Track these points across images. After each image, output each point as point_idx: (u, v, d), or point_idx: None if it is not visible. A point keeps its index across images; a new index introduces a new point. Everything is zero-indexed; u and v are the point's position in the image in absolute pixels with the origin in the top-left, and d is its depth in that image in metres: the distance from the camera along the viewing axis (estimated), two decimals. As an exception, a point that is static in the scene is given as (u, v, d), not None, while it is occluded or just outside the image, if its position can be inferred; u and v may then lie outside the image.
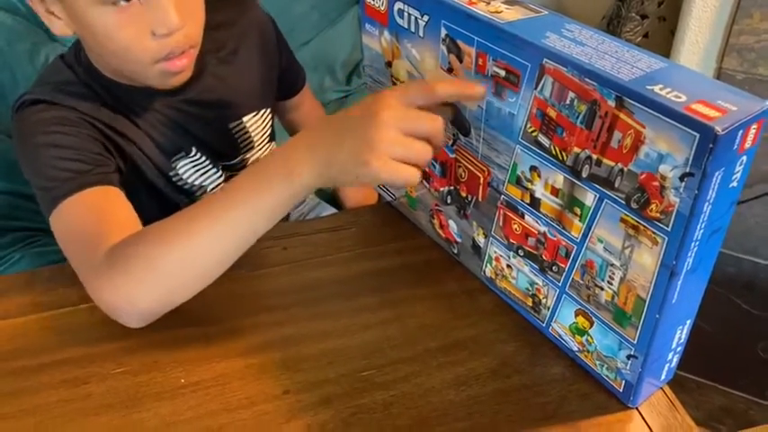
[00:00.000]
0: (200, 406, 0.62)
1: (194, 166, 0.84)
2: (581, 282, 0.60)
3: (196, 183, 0.85)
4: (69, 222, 0.68)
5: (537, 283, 0.66)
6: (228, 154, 0.87)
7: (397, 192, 0.84)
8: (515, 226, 0.65)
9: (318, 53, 1.53)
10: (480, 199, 0.69)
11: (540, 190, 0.60)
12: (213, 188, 0.87)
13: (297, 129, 1.08)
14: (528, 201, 0.62)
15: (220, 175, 0.87)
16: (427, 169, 0.75)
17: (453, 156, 0.70)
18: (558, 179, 0.58)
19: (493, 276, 0.72)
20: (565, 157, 0.56)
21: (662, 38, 1.36)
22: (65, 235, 0.68)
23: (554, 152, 0.57)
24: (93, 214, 0.68)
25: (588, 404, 0.62)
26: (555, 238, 0.61)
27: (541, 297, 0.66)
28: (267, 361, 0.66)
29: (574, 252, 0.60)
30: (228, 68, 0.83)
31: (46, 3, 0.70)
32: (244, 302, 0.73)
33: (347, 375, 0.65)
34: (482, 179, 0.67)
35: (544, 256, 0.63)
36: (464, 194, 0.71)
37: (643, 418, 0.61)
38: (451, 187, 0.73)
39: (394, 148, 0.55)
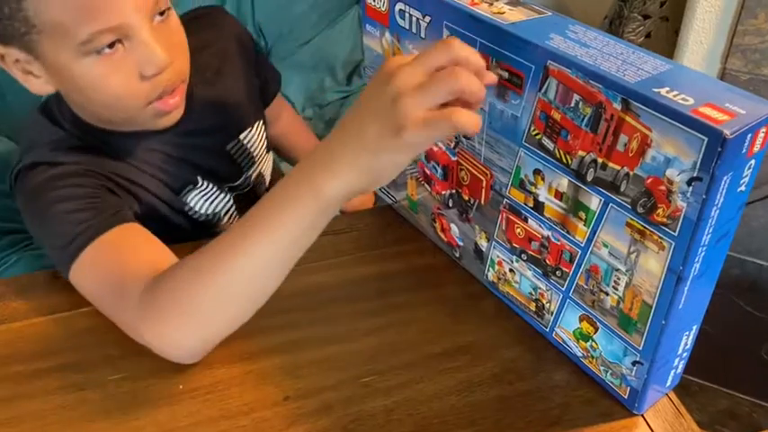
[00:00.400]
0: (199, 412, 0.61)
1: (204, 196, 0.82)
2: (585, 287, 0.59)
3: (209, 212, 0.83)
4: (94, 272, 0.65)
5: (540, 288, 0.65)
6: (232, 176, 0.85)
7: (398, 194, 0.83)
8: (518, 230, 0.64)
9: (319, 53, 1.52)
10: (483, 202, 0.68)
11: (543, 194, 0.60)
12: (226, 213, 0.85)
13: (281, 142, 1.06)
14: (531, 204, 0.61)
15: (229, 199, 0.85)
16: (428, 172, 0.74)
17: (455, 159, 0.69)
18: (563, 183, 0.57)
19: (495, 281, 0.71)
20: (569, 161, 0.55)
21: (664, 38, 1.36)
22: (92, 287, 0.66)
23: (558, 155, 0.56)
24: (117, 257, 0.65)
25: (592, 410, 0.61)
26: (559, 243, 0.60)
27: (545, 302, 0.65)
28: (267, 367, 0.65)
29: (578, 257, 0.59)
30: (216, 90, 0.81)
31: (20, 63, 0.66)
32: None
33: (348, 381, 0.64)
34: (485, 182, 0.66)
35: (548, 261, 0.62)
36: (466, 198, 0.70)
37: (648, 425, 0.60)
38: (453, 190, 0.72)
39: (422, 95, 0.47)
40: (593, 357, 0.62)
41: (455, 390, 0.63)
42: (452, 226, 0.75)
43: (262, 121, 0.90)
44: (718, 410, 1.43)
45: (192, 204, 0.81)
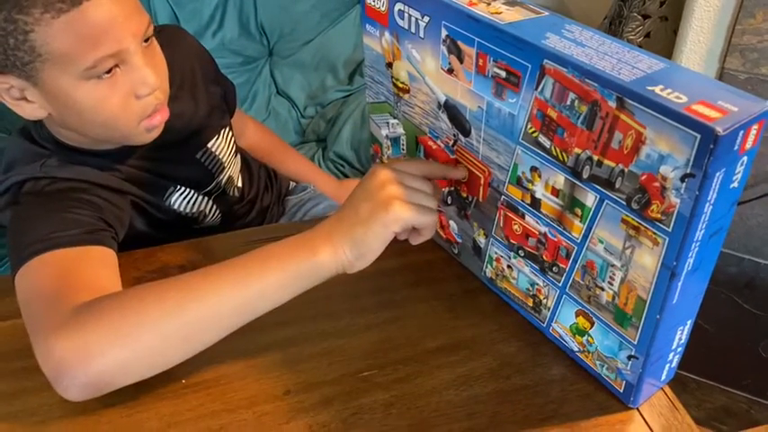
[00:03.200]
0: (202, 406, 0.62)
1: (185, 199, 0.86)
2: (581, 282, 0.60)
3: (194, 210, 0.88)
4: (37, 277, 0.64)
5: (537, 284, 0.66)
6: (204, 182, 0.89)
7: None
8: (516, 226, 0.65)
9: (320, 52, 1.53)
10: (481, 199, 0.69)
11: (540, 191, 0.60)
12: (210, 211, 0.90)
13: (255, 155, 1.08)
14: (528, 201, 0.62)
15: (209, 200, 0.90)
16: None
17: (454, 156, 0.70)
18: (559, 180, 0.58)
19: (493, 277, 0.72)
20: (565, 158, 0.56)
21: (664, 38, 1.36)
22: (29, 289, 0.64)
23: (555, 153, 0.57)
24: (67, 272, 0.64)
25: (589, 404, 0.62)
26: (555, 239, 0.61)
27: (542, 297, 0.66)
28: (268, 361, 0.66)
29: (574, 253, 0.59)
30: (181, 104, 0.84)
31: (13, 90, 0.67)
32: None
33: (348, 376, 0.65)
34: (482, 180, 0.67)
35: (544, 257, 0.63)
36: (464, 195, 0.71)
37: (644, 419, 0.61)
38: (452, 188, 0.73)
39: (405, 193, 0.60)
40: (588, 352, 0.63)
41: (453, 384, 0.64)
42: (451, 223, 0.76)
43: (228, 128, 0.94)
44: (716, 407, 1.44)
45: (175, 206, 0.85)
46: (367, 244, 0.60)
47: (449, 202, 0.74)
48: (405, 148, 0.78)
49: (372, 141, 0.84)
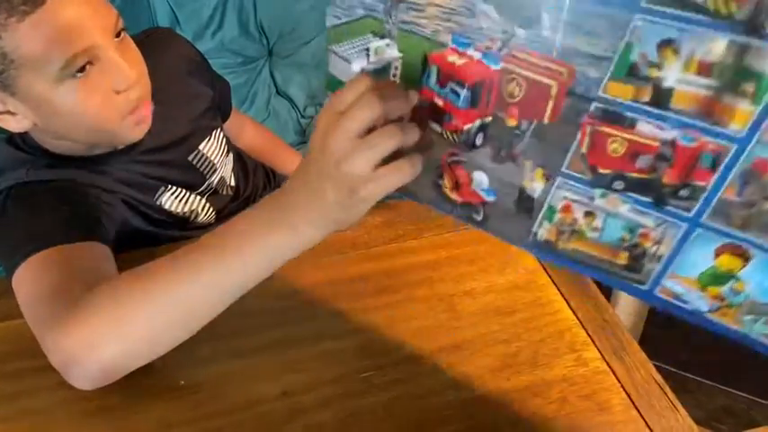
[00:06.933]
0: (199, 407, 0.62)
1: (176, 198, 0.86)
2: (737, 199, 0.44)
3: (186, 210, 0.87)
4: (40, 276, 0.64)
5: (645, 225, 0.49)
6: (196, 183, 0.89)
7: None
8: (614, 145, 0.48)
9: (320, 52, 1.53)
10: (547, 120, 0.49)
11: (675, 75, 0.43)
12: (202, 209, 0.89)
13: (255, 155, 1.09)
14: (648, 98, 0.45)
15: (201, 199, 0.90)
16: (441, 102, 0.54)
17: (499, 68, 0.50)
18: (717, 48, 0.41)
19: (553, 238, 0.53)
20: (733, 10, 0.40)
21: None
22: (33, 289, 0.63)
23: (715, 5, 0.40)
24: (68, 268, 0.64)
25: (589, 405, 0.62)
26: (694, 144, 0.44)
27: (649, 245, 0.49)
28: (266, 362, 0.66)
29: (730, 156, 0.43)
30: (170, 108, 0.84)
31: None
32: (242, 303, 0.72)
33: (346, 376, 0.65)
34: (555, 88, 0.48)
35: (666, 179, 0.46)
36: (513, 123, 0.51)
37: (644, 420, 0.61)
38: (487, 119, 0.53)
39: (363, 158, 0.49)
40: (730, 306, 0.48)
41: (453, 385, 0.64)
42: (476, 176, 0.55)
43: (219, 129, 0.94)
44: (716, 407, 1.43)
45: (167, 206, 0.84)
46: (348, 221, 0.54)
47: (477, 144, 0.54)
48: (399, 77, 0.56)
49: (331, 87, 0.59)
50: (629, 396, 0.63)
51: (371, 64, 0.56)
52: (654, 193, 0.47)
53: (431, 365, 0.66)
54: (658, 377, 0.66)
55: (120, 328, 0.57)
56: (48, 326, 0.59)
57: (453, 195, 0.58)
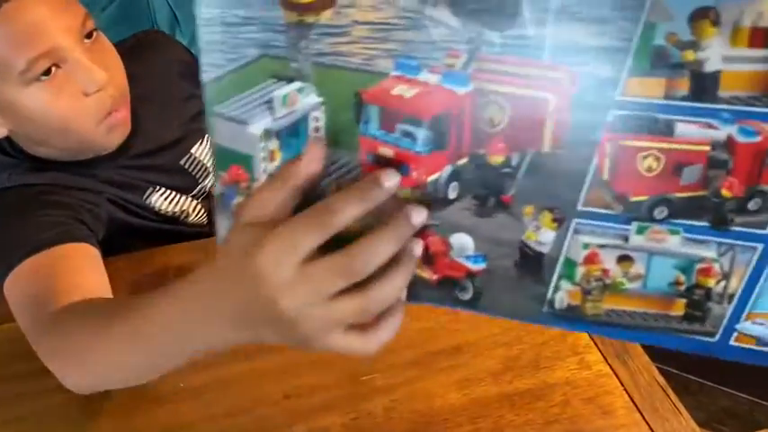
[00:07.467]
0: (200, 410, 0.62)
1: (165, 198, 0.85)
2: None
3: (176, 209, 0.86)
4: (28, 283, 0.63)
5: (703, 259, 0.38)
6: (189, 187, 0.88)
7: None
8: (648, 161, 0.36)
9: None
10: (548, 148, 0.37)
11: (718, 52, 0.33)
12: (193, 210, 0.88)
13: None
14: (686, 89, 0.34)
15: (191, 200, 0.88)
16: (392, 152, 0.39)
17: (470, 89, 0.36)
18: None
19: (578, 302, 0.41)
20: None
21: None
22: (14, 305, 0.63)
23: None
24: (54, 275, 0.63)
25: (592, 408, 0.62)
26: (757, 139, 0.34)
27: (713, 282, 0.38)
28: (268, 365, 0.66)
29: None
30: (160, 111, 0.84)
31: None
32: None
33: (348, 379, 0.64)
34: (553, 103, 0.36)
35: (725, 192, 0.36)
36: (500, 160, 0.38)
37: (647, 423, 0.61)
38: (461, 162, 0.39)
39: (329, 323, 0.37)
40: None
41: (456, 388, 0.64)
42: (454, 240, 0.41)
43: None
44: (718, 409, 1.43)
45: (156, 206, 0.83)
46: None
47: (450, 197, 0.40)
48: (322, 131, 0.39)
49: (223, 164, 0.41)
50: (632, 399, 0.63)
51: (280, 120, 0.40)
52: (711, 213, 0.37)
53: (433, 368, 0.65)
54: (661, 380, 0.66)
55: (84, 359, 0.53)
56: (32, 337, 0.59)
57: (425, 273, 0.43)
